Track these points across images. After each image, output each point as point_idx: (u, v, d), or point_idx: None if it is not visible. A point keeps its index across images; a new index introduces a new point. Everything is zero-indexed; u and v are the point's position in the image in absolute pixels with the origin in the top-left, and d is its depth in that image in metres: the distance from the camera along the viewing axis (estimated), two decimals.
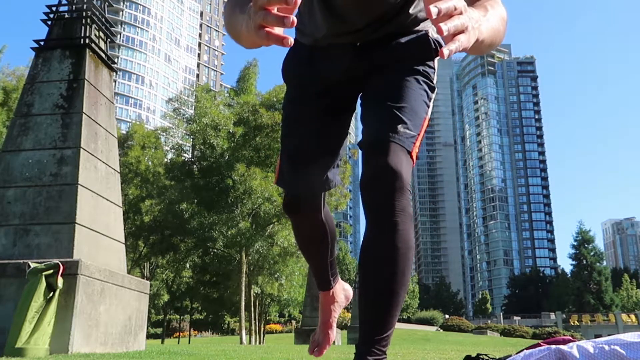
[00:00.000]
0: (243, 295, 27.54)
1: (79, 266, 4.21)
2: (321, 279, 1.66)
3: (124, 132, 36.65)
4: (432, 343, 21.48)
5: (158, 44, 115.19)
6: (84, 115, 5.02)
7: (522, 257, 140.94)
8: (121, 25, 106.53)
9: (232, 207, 27.03)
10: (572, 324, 47.20)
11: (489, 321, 66.05)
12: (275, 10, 0.86)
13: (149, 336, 39.84)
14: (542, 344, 1.65)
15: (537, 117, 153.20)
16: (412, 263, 1.26)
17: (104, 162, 5.25)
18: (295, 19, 0.84)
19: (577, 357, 1.44)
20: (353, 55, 1.39)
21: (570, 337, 1.67)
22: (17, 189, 4.76)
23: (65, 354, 3.91)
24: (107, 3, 6.06)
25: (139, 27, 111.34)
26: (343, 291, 1.73)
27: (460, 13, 0.87)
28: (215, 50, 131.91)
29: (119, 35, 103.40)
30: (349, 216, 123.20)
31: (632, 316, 46.46)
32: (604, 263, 77.64)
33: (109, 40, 5.88)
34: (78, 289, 4.16)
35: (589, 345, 1.48)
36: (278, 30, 0.89)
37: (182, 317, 53.61)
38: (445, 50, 0.84)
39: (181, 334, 52.10)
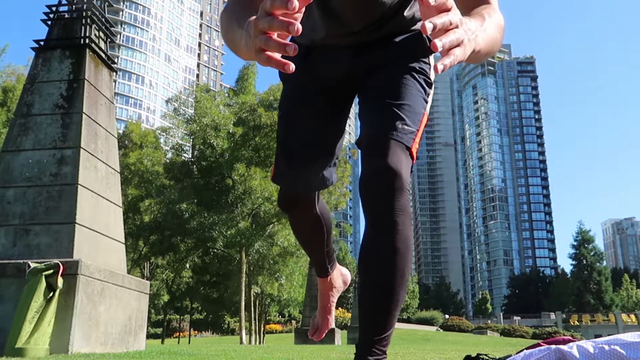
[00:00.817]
0: (243, 295, 27.55)
1: (79, 266, 4.21)
2: (319, 267, 1.71)
3: (121, 131, 36.63)
4: (432, 343, 21.49)
5: (158, 44, 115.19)
6: (84, 115, 5.02)
7: (522, 257, 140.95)
8: (121, 25, 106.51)
9: (232, 207, 27.04)
10: (572, 324, 47.19)
11: (489, 321, 66.03)
12: (275, 36, 0.85)
13: (149, 336, 39.84)
14: (542, 344, 1.65)
15: (537, 117, 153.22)
16: (411, 263, 1.26)
17: (104, 162, 5.25)
18: (297, 47, 0.82)
19: (577, 357, 1.44)
20: (350, 55, 1.40)
21: (570, 337, 1.67)
22: (17, 189, 4.76)
23: (65, 354, 3.91)
24: (107, 3, 6.06)
25: (139, 27, 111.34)
26: (341, 276, 1.78)
27: (456, 27, 0.86)
28: (215, 50, 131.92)
29: (119, 35, 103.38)
30: (348, 216, 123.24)
31: (632, 316, 46.44)
32: (604, 263, 77.66)
33: (109, 40, 5.88)
34: (78, 289, 4.16)
35: (589, 345, 1.48)
36: (279, 55, 0.87)
37: (182, 317, 53.60)
38: (440, 66, 0.83)
39: (181, 334, 52.10)
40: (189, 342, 31.94)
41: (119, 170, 5.61)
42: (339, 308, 41.51)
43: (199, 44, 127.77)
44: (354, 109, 1.62)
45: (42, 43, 5.39)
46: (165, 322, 45.87)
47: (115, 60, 6.60)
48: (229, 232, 26.13)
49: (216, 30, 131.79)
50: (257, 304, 33.05)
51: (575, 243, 73.99)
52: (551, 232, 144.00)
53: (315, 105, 1.44)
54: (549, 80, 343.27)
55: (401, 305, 1.26)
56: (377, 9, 1.32)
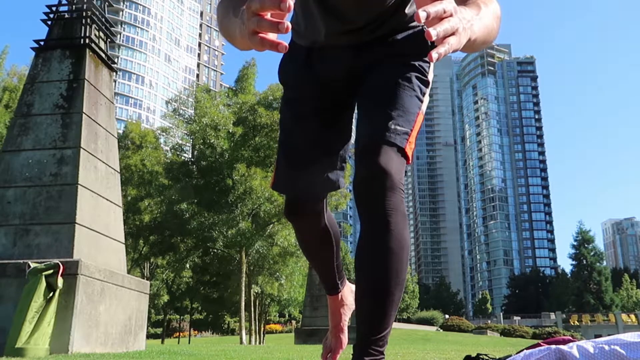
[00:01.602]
0: (243, 295, 27.55)
1: (79, 266, 4.21)
2: (328, 284, 1.65)
3: (120, 131, 36.63)
4: (432, 343, 21.47)
5: (158, 44, 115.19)
6: (84, 115, 5.02)
7: (522, 257, 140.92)
8: (121, 25, 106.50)
9: (232, 207, 27.03)
10: (572, 324, 47.20)
11: (489, 321, 66.04)
12: (268, 16, 0.85)
13: (149, 336, 39.85)
14: (542, 344, 1.64)
15: (537, 117, 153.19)
16: (407, 262, 1.25)
17: (104, 162, 5.25)
18: (289, 25, 0.83)
19: (577, 357, 1.44)
20: (351, 55, 1.39)
21: (570, 337, 1.67)
22: (17, 189, 4.76)
23: (65, 354, 3.91)
24: (107, 3, 6.06)
25: (139, 27, 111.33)
26: (352, 293, 1.71)
27: (451, 15, 0.86)
28: (215, 50, 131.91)
29: (119, 35, 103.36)
30: (349, 216, 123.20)
31: (632, 316, 46.46)
32: (604, 263, 77.67)
33: (109, 40, 5.87)
34: (78, 289, 4.16)
35: (589, 345, 1.48)
36: (272, 36, 0.88)
37: (182, 317, 53.61)
38: (434, 54, 0.83)
39: (181, 334, 52.12)
40: (189, 342, 31.94)
41: (119, 170, 5.61)
42: None
43: (199, 44, 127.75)
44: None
45: (42, 43, 5.39)
46: (165, 322, 45.88)
47: (115, 60, 6.60)
48: (229, 232, 26.13)
49: (216, 30, 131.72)
50: (257, 304, 33.06)
51: (575, 243, 74.02)
52: (551, 232, 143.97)
53: (316, 106, 1.43)
54: (549, 80, 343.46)
55: (398, 304, 1.26)
56: (377, 7, 1.32)
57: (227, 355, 4.27)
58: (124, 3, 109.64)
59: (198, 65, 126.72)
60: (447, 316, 59.24)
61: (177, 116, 31.17)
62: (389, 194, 1.19)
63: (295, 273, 28.47)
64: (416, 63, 1.35)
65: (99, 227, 4.95)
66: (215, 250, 30.21)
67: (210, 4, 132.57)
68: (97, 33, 5.61)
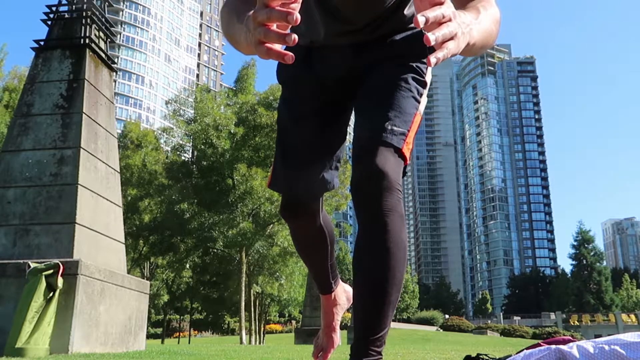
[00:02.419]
0: (243, 295, 27.56)
1: (79, 266, 4.21)
2: (322, 283, 1.65)
3: (119, 131, 36.64)
4: (432, 343, 21.48)
5: (158, 44, 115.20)
6: (84, 115, 5.02)
7: (522, 257, 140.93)
8: (121, 25, 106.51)
9: (232, 207, 27.04)
10: (572, 324, 47.21)
11: (489, 321, 66.05)
12: (274, 27, 0.85)
13: (149, 336, 39.84)
14: (542, 344, 1.64)
15: (537, 117, 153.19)
16: (404, 262, 1.25)
17: (104, 162, 5.25)
18: (296, 38, 0.82)
19: (577, 357, 1.44)
20: (350, 55, 1.39)
21: (570, 337, 1.67)
22: (17, 189, 4.76)
23: (65, 354, 3.91)
24: (107, 3, 6.06)
25: (139, 27, 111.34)
26: (344, 293, 1.72)
27: (449, 20, 0.86)
28: (215, 50, 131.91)
29: (119, 35, 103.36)
30: (349, 216, 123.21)
31: (632, 316, 46.47)
32: (604, 263, 77.73)
33: (109, 40, 5.87)
34: (78, 289, 4.16)
35: (589, 345, 1.48)
36: (278, 46, 0.87)
37: (182, 317, 53.62)
38: (433, 59, 0.83)
39: (181, 334, 52.13)
40: (189, 342, 31.93)
41: (119, 170, 5.61)
42: None
43: (199, 44, 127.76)
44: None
45: (42, 43, 5.39)
46: (165, 322, 45.88)
47: (115, 60, 6.60)
48: (230, 233, 26.14)
49: (216, 30, 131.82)
50: (257, 304, 33.06)
51: (575, 243, 74.06)
52: (551, 232, 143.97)
53: (315, 106, 1.43)
54: (549, 80, 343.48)
55: (395, 305, 1.26)
56: (377, 7, 1.32)
57: (227, 355, 4.27)
58: (124, 3, 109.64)
59: (198, 65, 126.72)
60: (447, 316, 59.26)
61: (177, 116, 31.17)
62: (386, 194, 1.19)
63: (295, 273, 28.48)
64: (414, 64, 1.35)
65: (99, 227, 4.95)
66: (215, 250, 30.23)
67: (210, 4, 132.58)
68: (97, 33, 5.61)
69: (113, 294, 4.71)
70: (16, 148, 4.94)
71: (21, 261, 4.24)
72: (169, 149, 32.97)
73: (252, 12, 0.90)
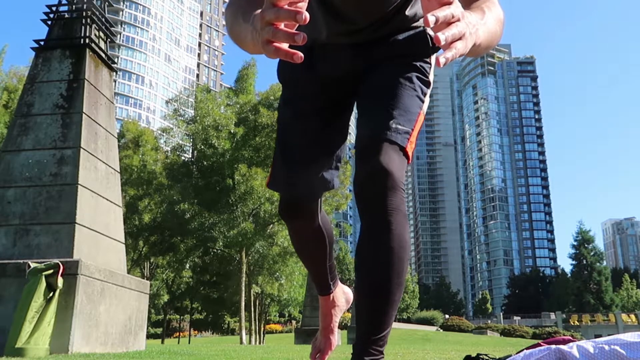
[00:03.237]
0: (243, 295, 27.56)
1: (79, 266, 4.21)
2: (321, 284, 1.64)
3: (118, 131, 36.48)
4: (432, 343, 21.48)
5: (158, 44, 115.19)
6: (84, 115, 5.02)
7: (522, 257, 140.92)
8: (121, 25, 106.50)
9: (232, 208, 27.04)
10: (572, 324, 47.18)
11: (489, 321, 66.06)
12: (282, 26, 0.85)
13: (149, 336, 39.84)
14: (542, 344, 1.64)
15: (537, 117, 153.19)
16: (407, 262, 1.25)
17: (104, 162, 5.25)
18: (305, 36, 0.82)
19: (577, 357, 1.44)
20: (352, 54, 1.38)
21: (570, 337, 1.67)
22: (17, 189, 4.76)
23: (65, 354, 3.91)
24: (107, 3, 6.06)
25: (139, 27, 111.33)
26: (343, 294, 1.71)
27: (458, 20, 0.86)
28: (215, 50, 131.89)
29: (119, 35, 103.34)
30: (349, 216, 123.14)
31: (632, 316, 46.45)
32: (604, 263, 77.64)
33: (109, 40, 5.87)
34: (78, 289, 4.16)
35: (589, 345, 1.48)
36: (286, 45, 0.87)
37: (182, 317, 53.61)
38: (442, 59, 0.83)
39: (181, 334, 52.12)
40: (189, 342, 31.93)
41: (119, 170, 5.61)
42: None
43: (199, 44, 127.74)
44: (356, 109, 1.61)
45: (42, 43, 5.39)
46: (165, 322, 45.85)
47: (115, 60, 6.60)
48: (230, 233, 26.14)
49: (216, 30, 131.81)
50: (257, 304, 33.05)
51: (575, 243, 73.99)
52: (551, 232, 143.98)
53: (316, 105, 1.42)
54: (549, 80, 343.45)
55: (398, 304, 1.26)
56: (379, 7, 1.31)
57: (227, 355, 4.27)
58: (124, 3, 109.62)
59: (198, 65, 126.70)
60: (447, 316, 59.26)
61: (177, 117, 31.16)
62: (390, 193, 1.18)
63: (295, 273, 28.46)
64: (417, 63, 1.35)
65: (99, 227, 4.95)
66: (216, 250, 30.23)
67: (210, 4, 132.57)
68: (97, 33, 5.61)
69: (113, 294, 4.71)
70: (16, 148, 4.94)
71: (21, 261, 4.24)
72: (169, 149, 32.93)
73: (259, 11, 0.90)
